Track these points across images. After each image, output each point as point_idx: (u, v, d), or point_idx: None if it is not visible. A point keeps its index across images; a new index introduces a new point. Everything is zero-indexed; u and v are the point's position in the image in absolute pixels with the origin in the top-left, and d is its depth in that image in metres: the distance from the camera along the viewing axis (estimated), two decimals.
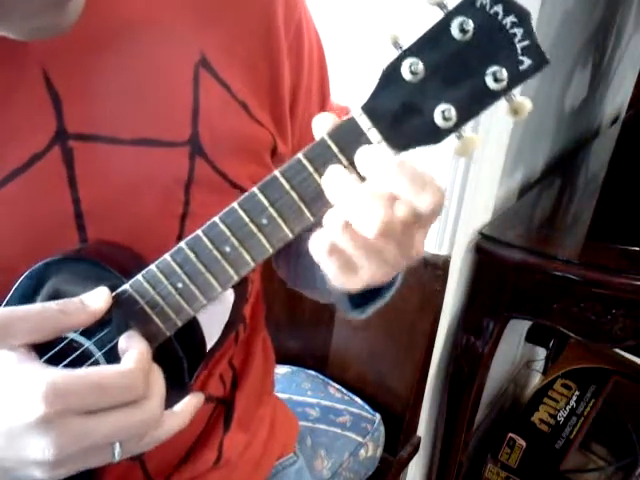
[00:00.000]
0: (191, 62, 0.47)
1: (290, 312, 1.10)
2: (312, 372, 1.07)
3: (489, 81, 0.34)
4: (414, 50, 0.34)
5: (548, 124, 1.43)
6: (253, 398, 0.66)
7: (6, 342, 0.37)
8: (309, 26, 0.56)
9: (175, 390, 0.43)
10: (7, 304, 0.42)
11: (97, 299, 0.40)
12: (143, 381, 0.38)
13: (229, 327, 0.57)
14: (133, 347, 0.39)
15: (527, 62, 0.33)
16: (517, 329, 1.67)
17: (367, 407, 1.02)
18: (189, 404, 0.43)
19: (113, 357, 0.40)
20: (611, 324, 1.03)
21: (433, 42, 0.33)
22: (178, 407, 0.42)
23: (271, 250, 0.38)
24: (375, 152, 0.35)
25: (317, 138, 0.36)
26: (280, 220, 0.37)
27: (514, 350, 1.77)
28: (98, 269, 0.41)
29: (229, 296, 0.56)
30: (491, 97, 0.34)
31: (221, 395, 0.61)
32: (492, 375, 1.29)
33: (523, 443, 1.53)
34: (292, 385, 1.03)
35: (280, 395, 0.97)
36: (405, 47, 0.34)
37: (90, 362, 0.41)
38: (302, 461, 0.77)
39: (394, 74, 0.34)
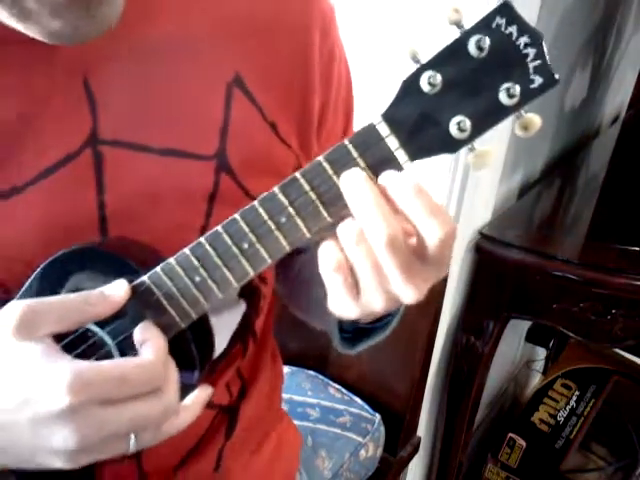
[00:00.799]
0: (224, 80, 0.49)
1: (290, 312, 1.10)
2: (312, 372, 1.07)
3: (502, 97, 0.35)
4: (433, 64, 0.35)
5: (548, 124, 1.43)
6: (259, 411, 0.66)
7: (32, 334, 0.38)
8: (341, 55, 0.57)
9: (184, 384, 0.43)
10: (24, 293, 0.43)
11: (117, 290, 0.41)
12: (161, 373, 0.39)
13: (237, 337, 0.57)
14: (151, 339, 0.40)
15: (538, 81, 0.35)
16: (517, 329, 1.67)
17: (367, 407, 1.02)
18: (199, 397, 0.44)
19: (126, 347, 0.42)
20: (611, 324, 1.03)
21: (451, 57, 0.35)
22: (188, 400, 0.43)
23: (288, 248, 0.40)
24: (398, 174, 0.37)
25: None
26: (298, 219, 0.39)
27: (514, 350, 1.77)
28: (117, 261, 0.42)
29: (240, 306, 0.56)
30: (504, 112, 0.36)
31: (226, 403, 0.61)
32: (492, 375, 1.29)
33: (523, 443, 1.53)
34: (292, 385, 1.03)
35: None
36: (424, 61, 0.36)
37: (103, 351, 0.43)
38: (305, 476, 0.78)
39: (413, 85, 0.36)
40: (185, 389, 0.43)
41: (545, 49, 0.35)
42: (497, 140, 1.05)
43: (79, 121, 0.44)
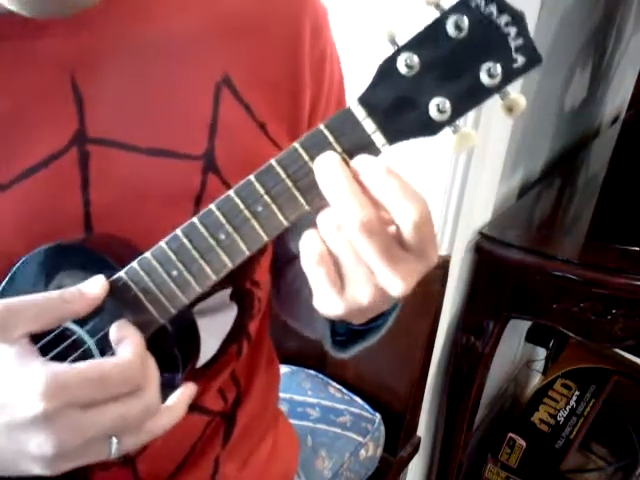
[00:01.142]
0: (213, 79, 0.48)
1: None
2: (312, 372, 1.07)
3: (483, 77, 0.35)
4: (410, 46, 0.35)
5: (548, 124, 1.44)
6: (255, 414, 0.65)
7: (7, 335, 0.37)
8: (333, 56, 0.57)
9: (166, 384, 0.43)
10: (4, 287, 0.42)
11: (94, 287, 0.40)
12: (141, 371, 0.38)
13: (230, 340, 0.57)
14: (127, 336, 0.39)
15: (521, 60, 0.34)
16: (517, 329, 1.67)
17: (367, 407, 1.02)
18: (183, 395, 0.43)
19: (106, 345, 0.41)
20: (611, 324, 1.03)
21: (429, 39, 0.35)
22: (171, 400, 0.42)
23: (266, 238, 0.39)
24: (369, 157, 0.36)
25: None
26: (275, 207, 0.38)
27: (514, 350, 1.77)
28: (97, 258, 0.42)
29: (232, 309, 0.56)
30: (485, 92, 0.35)
31: (220, 409, 0.60)
32: (492, 375, 1.29)
33: (523, 443, 1.53)
34: (292, 385, 1.03)
35: (280, 395, 0.97)
36: (402, 43, 0.35)
37: (82, 349, 0.42)
38: (303, 477, 0.77)
39: (390, 68, 0.35)
40: (168, 391, 0.42)
41: (527, 27, 0.34)
42: (497, 140, 1.05)
43: (66, 119, 0.44)
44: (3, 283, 0.42)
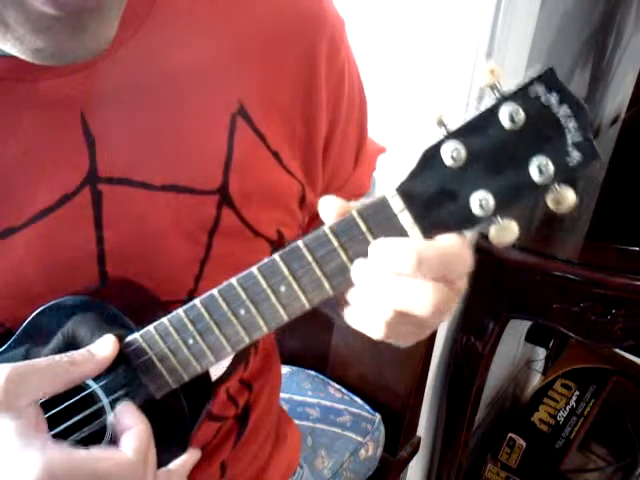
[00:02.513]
0: (228, 111, 0.47)
1: None
2: (312, 372, 1.07)
3: (533, 172, 0.32)
4: (458, 134, 0.32)
5: None
6: (264, 414, 0.66)
7: (15, 402, 0.36)
8: (351, 71, 0.54)
9: (174, 442, 0.42)
10: (17, 338, 0.42)
11: (104, 347, 0.40)
12: (142, 470, 0.37)
13: (239, 356, 0.56)
14: (132, 427, 0.38)
15: (576, 157, 0.32)
16: (517, 329, 1.67)
17: (367, 407, 1.02)
18: (186, 462, 0.42)
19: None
20: (611, 324, 1.03)
21: (479, 128, 0.32)
22: (173, 465, 0.42)
23: (286, 318, 0.38)
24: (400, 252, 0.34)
25: (323, 217, 0.36)
26: (299, 291, 0.37)
27: (514, 350, 1.77)
28: (112, 313, 0.41)
29: None
30: (532, 189, 0.33)
31: (232, 414, 0.60)
32: (492, 375, 1.29)
33: (523, 443, 1.53)
34: (292, 385, 1.03)
35: (280, 395, 0.97)
36: (450, 130, 0.33)
37: (96, 407, 0.41)
38: (306, 469, 0.77)
39: (434, 157, 0.33)
40: (175, 448, 0.42)
41: (588, 122, 0.31)
42: None
43: (77, 159, 0.43)
44: (17, 333, 0.42)
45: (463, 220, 0.34)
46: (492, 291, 1.15)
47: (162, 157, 0.45)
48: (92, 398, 0.42)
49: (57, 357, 0.39)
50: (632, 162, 1.54)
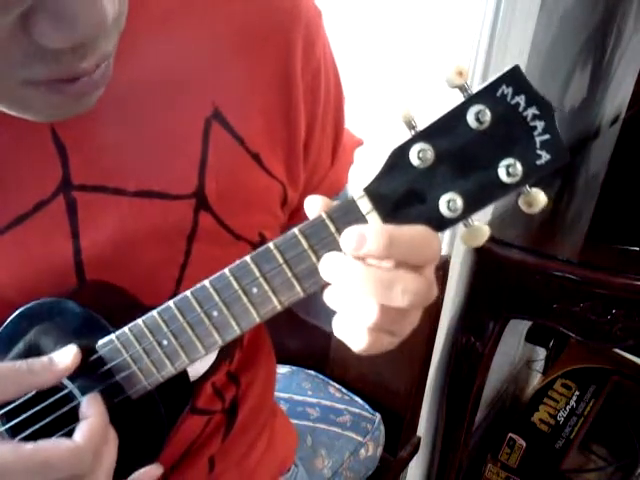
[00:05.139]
0: (202, 115, 0.46)
1: (290, 312, 1.10)
2: (312, 372, 1.07)
3: (502, 174, 0.32)
4: (426, 135, 0.32)
5: None
6: (255, 409, 0.65)
7: None
8: (327, 65, 0.54)
9: (148, 448, 0.43)
10: None
11: (65, 357, 0.40)
12: (91, 458, 0.38)
13: (223, 354, 0.56)
14: (89, 418, 0.39)
15: (545, 157, 0.32)
16: (517, 329, 1.67)
17: (367, 407, 1.02)
18: (146, 475, 0.42)
19: None
20: (611, 324, 1.03)
21: (447, 128, 0.32)
22: (131, 477, 0.42)
23: (258, 319, 0.38)
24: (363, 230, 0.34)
25: (310, 217, 0.36)
26: (270, 292, 0.37)
27: (514, 350, 1.77)
28: (89, 315, 0.41)
29: None
30: (502, 190, 0.33)
31: (219, 409, 0.60)
32: (492, 375, 1.29)
33: (523, 443, 1.53)
34: (292, 385, 1.03)
35: (280, 395, 0.98)
36: (417, 131, 0.33)
37: (71, 406, 0.42)
38: (302, 468, 0.77)
39: (402, 158, 0.33)
40: (149, 451, 0.43)
41: (556, 122, 0.31)
42: None
43: (49, 169, 0.43)
44: None
45: (431, 221, 0.34)
46: (492, 291, 1.15)
47: (135, 163, 0.45)
48: (69, 398, 0.42)
49: (17, 363, 0.39)
50: (632, 162, 1.54)
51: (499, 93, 0.31)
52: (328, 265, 0.35)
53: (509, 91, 0.31)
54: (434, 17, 0.88)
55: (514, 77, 0.31)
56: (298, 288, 0.37)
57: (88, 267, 0.44)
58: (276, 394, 0.76)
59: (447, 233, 1.03)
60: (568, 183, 1.48)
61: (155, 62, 0.45)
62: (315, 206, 0.36)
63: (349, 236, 0.34)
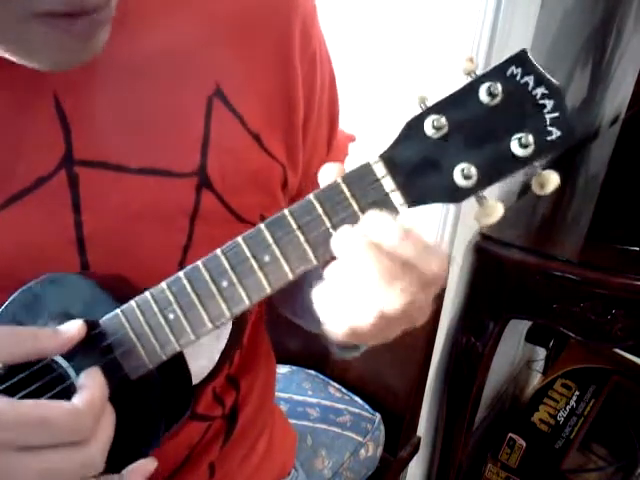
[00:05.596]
0: (205, 93, 0.47)
1: None
2: (312, 372, 1.07)
3: (514, 147, 0.33)
4: (439, 108, 0.34)
5: None
6: (254, 413, 0.65)
7: None
8: (323, 55, 0.55)
9: (143, 438, 0.42)
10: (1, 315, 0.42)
11: (70, 329, 0.39)
12: (90, 423, 0.36)
13: (225, 355, 0.56)
14: (89, 387, 0.38)
15: (556, 133, 0.33)
16: (517, 329, 1.67)
17: (367, 407, 1.02)
18: (140, 468, 0.41)
19: None
20: (611, 324, 1.03)
21: (459, 102, 0.33)
22: (126, 470, 0.41)
23: (268, 289, 0.37)
24: (384, 220, 0.35)
25: (323, 184, 0.36)
26: (282, 259, 0.37)
27: (514, 350, 1.77)
28: (96, 291, 0.41)
29: (225, 328, 0.55)
30: (515, 163, 0.34)
31: (219, 414, 0.60)
32: (492, 375, 1.29)
33: (523, 443, 1.53)
34: (292, 385, 1.03)
35: (280, 395, 0.98)
36: (431, 104, 0.34)
37: (63, 386, 0.41)
38: (302, 473, 0.77)
39: (416, 128, 0.34)
40: (144, 451, 0.42)
41: (565, 100, 0.33)
42: None
43: (52, 142, 0.43)
44: (1, 307, 0.42)
45: (447, 191, 0.35)
46: (492, 291, 1.15)
47: (137, 140, 0.45)
48: (62, 377, 0.41)
49: (21, 328, 0.39)
50: (632, 162, 1.54)
51: (509, 73, 0.33)
52: (342, 238, 0.35)
53: (518, 71, 0.32)
54: (434, 17, 0.88)
55: (522, 59, 0.33)
56: (311, 255, 0.36)
57: (89, 242, 0.44)
58: (276, 394, 0.76)
59: (447, 233, 1.03)
60: (568, 183, 1.49)
61: (157, 37, 0.46)
62: (331, 173, 0.36)
63: (369, 219, 0.35)
